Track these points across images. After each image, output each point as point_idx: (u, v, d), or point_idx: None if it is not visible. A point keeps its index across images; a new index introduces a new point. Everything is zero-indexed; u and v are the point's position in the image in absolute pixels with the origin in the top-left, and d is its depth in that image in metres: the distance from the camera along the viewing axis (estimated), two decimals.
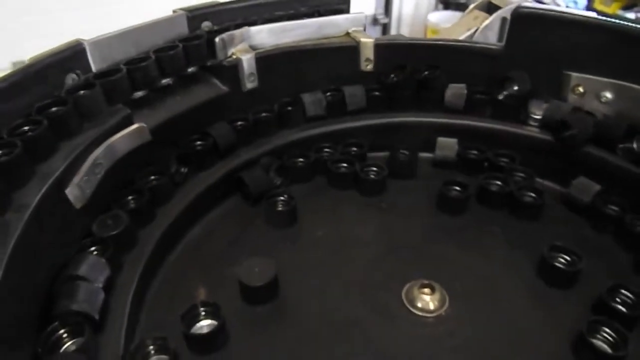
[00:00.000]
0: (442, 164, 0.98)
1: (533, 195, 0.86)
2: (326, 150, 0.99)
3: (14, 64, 2.60)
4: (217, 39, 0.87)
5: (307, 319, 0.70)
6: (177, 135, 0.86)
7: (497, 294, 0.72)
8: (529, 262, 0.76)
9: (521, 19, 0.92)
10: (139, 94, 0.82)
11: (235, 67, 0.90)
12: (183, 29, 0.90)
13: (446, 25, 3.69)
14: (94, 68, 0.79)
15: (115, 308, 0.65)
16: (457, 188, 0.88)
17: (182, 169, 0.85)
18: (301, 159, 0.96)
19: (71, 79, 0.76)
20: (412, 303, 0.69)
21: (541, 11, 0.91)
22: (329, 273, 0.77)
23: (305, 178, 0.95)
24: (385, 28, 3.92)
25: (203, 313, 0.66)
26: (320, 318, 0.70)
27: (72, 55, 0.75)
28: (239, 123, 0.93)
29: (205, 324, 0.66)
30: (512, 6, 1.16)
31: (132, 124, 0.77)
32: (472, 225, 0.85)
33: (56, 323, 0.58)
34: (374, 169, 0.94)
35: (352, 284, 0.74)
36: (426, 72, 0.98)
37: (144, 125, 0.77)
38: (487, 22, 1.12)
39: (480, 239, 0.83)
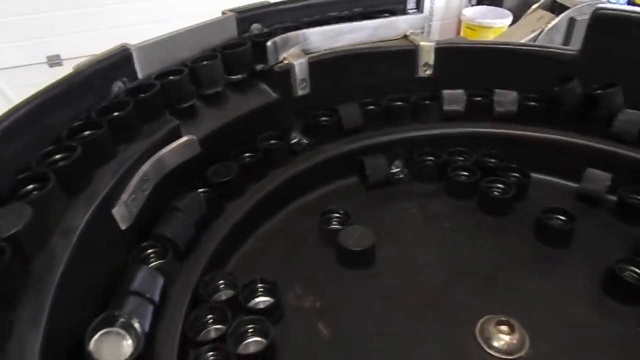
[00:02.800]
0: (587, 199, 0.85)
1: None
2: (463, 155, 0.92)
3: (49, 57, 2.61)
4: (269, 43, 0.81)
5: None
6: (225, 145, 0.81)
7: (586, 337, 0.64)
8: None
9: (601, 21, 0.83)
10: (186, 103, 0.76)
11: (286, 72, 0.83)
12: (232, 32, 0.84)
13: (482, 20, 3.57)
14: (140, 74, 0.73)
15: (204, 244, 0.70)
16: (561, 217, 0.78)
17: (304, 140, 0.87)
18: (431, 158, 0.91)
19: (117, 87, 0.71)
20: (488, 342, 0.62)
21: (625, 13, 0.82)
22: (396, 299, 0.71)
23: (430, 178, 0.90)
24: None
25: (261, 289, 0.69)
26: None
27: (118, 62, 0.70)
28: (370, 107, 0.91)
29: (261, 300, 0.68)
30: (581, 6, 1.06)
31: (180, 136, 0.71)
32: (572, 260, 0.75)
33: (146, 243, 0.65)
34: (500, 186, 0.85)
35: (420, 314, 0.68)
36: (599, 90, 0.85)
37: (194, 137, 0.71)
38: (553, 23, 1.03)
39: (575, 276, 0.73)
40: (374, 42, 0.91)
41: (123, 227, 0.62)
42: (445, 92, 0.92)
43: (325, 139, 0.89)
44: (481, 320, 0.64)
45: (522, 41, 1.04)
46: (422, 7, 3.86)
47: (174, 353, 0.57)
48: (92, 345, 0.50)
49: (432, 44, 0.90)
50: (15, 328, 0.44)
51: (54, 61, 2.65)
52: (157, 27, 2.55)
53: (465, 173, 0.88)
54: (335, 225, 0.80)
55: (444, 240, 0.81)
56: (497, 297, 0.69)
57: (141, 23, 2.58)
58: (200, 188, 0.76)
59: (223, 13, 0.84)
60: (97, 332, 0.51)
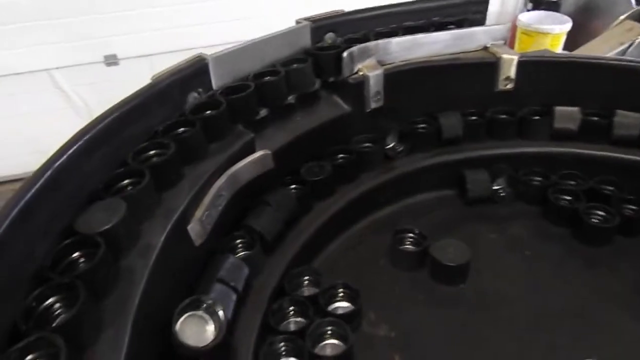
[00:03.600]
0: None
1: None
2: (575, 179, 0.85)
3: (106, 57, 2.69)
4: (345, 53, 0.77)
5: None
6: (294, 159, 0.78)
7: None
8: None
9: None
10: (260, 114, 0.74)
11: (361, 84, 0.80)
12: (306, 41, 0.81)
13: (539, 25, 3.43)
14: (214, 85, 0.72)
15: (291, 239, 0.71)
16: None
17: (399, 147, 0.86)
18: (538, 179, 0.85)
19: (192, 97, 0.69)
20: None
21: None
22: (476, 335, 0.65)
23: (535, 200, 0.84)
24: None
25: (341, 295, 0.68)
26: None
27: (194, 72, 0.68)
28: (472, 118, 0.87)
29: (341, 306, 0.68)
30: None
31: (254, 149, 0.69)
32: None
33: (236, 233, 0.68)
34: (601, 213, 0.78)
35: (505, 354, 0.62)
36: None
37: (269, 152, 0.69)
38: None
39: None
40: (452, 54, 0.86)
41: (197, 243, 0.60)
42: (558, 108, 0.85)
43: (421, 147, 0.86)
44: None
45: (610, 54, 0.97)
46: None
47: (252, 341, 0.58)
48: (178, 326, 0.51)
49: (515, 56, 0.85)
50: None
51: (111, 61, 2.72)
52: (213, 28, 2.57)
53: (568, 197, 0.82)
54: (408, 247, 0.76)
55: (534, 270, 0.74)
56: (596, 342, 0.63)
57: (198, 24, 2.61)
58: (292, 185, 0.77)
59: (297, 22, 0.82)
60: (182, 314, 0.52)
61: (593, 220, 0.77)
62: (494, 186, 0.85)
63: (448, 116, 0.85)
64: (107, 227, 0.49)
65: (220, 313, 0.53)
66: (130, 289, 0.48)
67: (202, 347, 0.50)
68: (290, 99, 0.77)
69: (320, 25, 0.82)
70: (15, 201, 0.45)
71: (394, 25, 0.87)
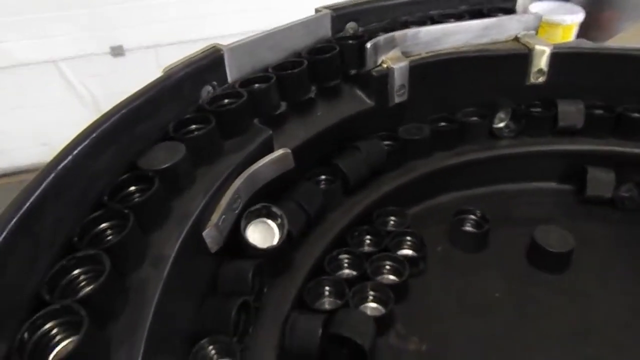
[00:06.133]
0: None
1: None
2: None
3: (113, 48, 2.64)
4: (368, 45, 0.72)
5: None
6: (311, 157, 0.73)
7: None
8: None
9: None
10: (277, 111, 0.69)
11: (384, 77, 0.75)
12: (326, 31, 0.76)
13: (550, 16, 3.34)
14: (229, 78, 0.67)
15: (373, 187, 0.76)
16: None
17: (508, 127, 0.83)
18: None
19: (206, 91, 0.64)
20: None
21: None
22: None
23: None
24: None
25: (409, 243, 0.72)
26: None
27: (209, 64, 0.64)
28: (597, 111, 0.81)
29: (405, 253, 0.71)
30: None
31: (273, 147, 0.64)
32: None
33: (314, 171, 0.74)
34: None
35: None
36: None
37: (289, 151, 0.64)
38: None
39: None
40: (481, 44, 0.80)
41: (213, 250, 0.56)
42: None
43: (531, 132, 0.82)
44: None
45: None
46: None
47: (313, 256, 0.64)
48: (247, 230, 0.58)
49: (548, 47, 0.79)
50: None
51: (117, 52, 2.67)
52: (220, 19, 2.52)
53: None
54: (469, 228, 0.74)
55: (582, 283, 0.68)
56: None
57: (205, 15, 2.56)
58: (385, 140, 0.78)
59: (317, 10, 0.76)
60: (249, 220, 0.59)
61: None
62: (620, 191, 0.78)
63: (568, 104, 0.80)
64: (166, 165, 0.51)
65: (284, 218, 0.59)
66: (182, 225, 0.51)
67: (265, 248, 0.57)
68: (311, 94, 0.72)
69: (341, 13, 0.76)
70: (18, 205, 0.40)
71: (420, 14, 0.82)
